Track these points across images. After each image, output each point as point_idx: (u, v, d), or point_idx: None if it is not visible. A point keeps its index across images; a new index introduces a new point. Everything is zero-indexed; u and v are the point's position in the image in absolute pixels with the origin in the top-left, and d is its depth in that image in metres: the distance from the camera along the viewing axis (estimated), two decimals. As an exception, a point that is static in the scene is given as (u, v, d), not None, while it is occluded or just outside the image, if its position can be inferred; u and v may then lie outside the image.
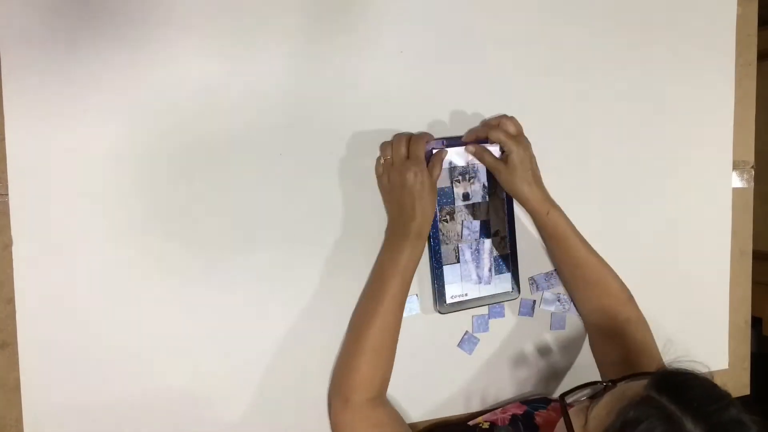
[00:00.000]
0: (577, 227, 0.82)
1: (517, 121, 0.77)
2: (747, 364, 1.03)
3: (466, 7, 0.81)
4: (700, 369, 0.57)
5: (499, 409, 0.78)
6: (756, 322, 1.49)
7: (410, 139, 0.74)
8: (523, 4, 0.84)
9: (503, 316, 0.84)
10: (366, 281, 0.77)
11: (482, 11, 0.82)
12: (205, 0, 0.70)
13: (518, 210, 0.84)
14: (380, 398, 0.73)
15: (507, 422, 0.74)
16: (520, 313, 0.86)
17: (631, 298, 0.82)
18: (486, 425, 0.75)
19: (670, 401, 0.51)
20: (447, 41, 0.80)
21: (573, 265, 0.81)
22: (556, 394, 0.88)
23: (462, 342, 0.83)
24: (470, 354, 0.84)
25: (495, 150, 0.78)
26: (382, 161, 0.76)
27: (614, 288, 0.81)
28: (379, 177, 0.77)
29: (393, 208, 0.75)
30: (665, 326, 0.95)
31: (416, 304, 0.80)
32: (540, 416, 0.75)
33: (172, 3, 0.69)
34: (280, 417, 0.76)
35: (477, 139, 0.78)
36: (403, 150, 0.73)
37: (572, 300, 0.87)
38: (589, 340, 0.86)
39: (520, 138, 0.77)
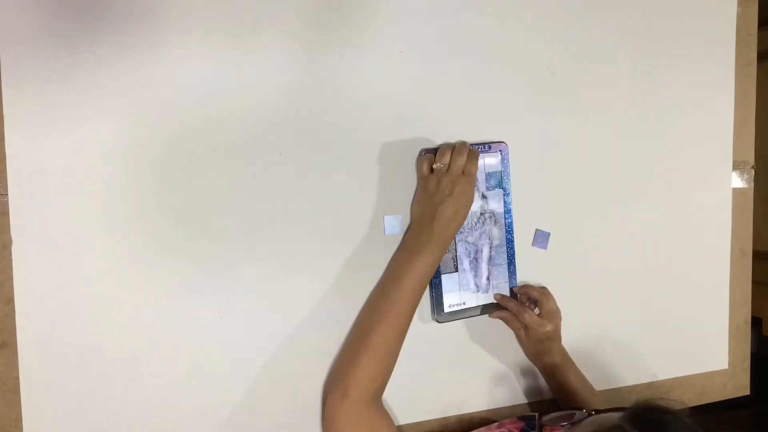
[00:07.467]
0: (575, 229, 0.82)
1: (552, 299, 0.83)
2: (747, 365, 1.03)
3: (466, 7, 0.81)
4: (676, 406, 0.58)
5: (495, 424, 0.78)
6: (756, 322, 1.49)
7: (469, 153, 0.76)
8: (522, 4, 0.84)
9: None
10: (379, 279, 0.77)
11: (482, 11, 0.82)
12: (204, 1, 0.70)
13: (516, 219, 0.84)
14: (376, 401, 0.73)
15: None
16: (535, 244, 0.86)
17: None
18: None
19: None
20: (447, 41, 0.80)
21: (570, 400, 0.84)
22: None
23: (535, 240, 0.86)
24: (546, 249, 0.86)
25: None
26: (435, 165, 0.76)
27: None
28: (425, 177, 0.76)
29: (426, 212, 0.75)
30: (665, 326, 0.95)
31: (398, 225, 0.79)
32: None
33: (172, 3, 0.69)
34: (279, 417, 0.76)
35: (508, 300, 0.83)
36: (461, 161, 0.74)
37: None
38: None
39: (546, 319, 0.81)
